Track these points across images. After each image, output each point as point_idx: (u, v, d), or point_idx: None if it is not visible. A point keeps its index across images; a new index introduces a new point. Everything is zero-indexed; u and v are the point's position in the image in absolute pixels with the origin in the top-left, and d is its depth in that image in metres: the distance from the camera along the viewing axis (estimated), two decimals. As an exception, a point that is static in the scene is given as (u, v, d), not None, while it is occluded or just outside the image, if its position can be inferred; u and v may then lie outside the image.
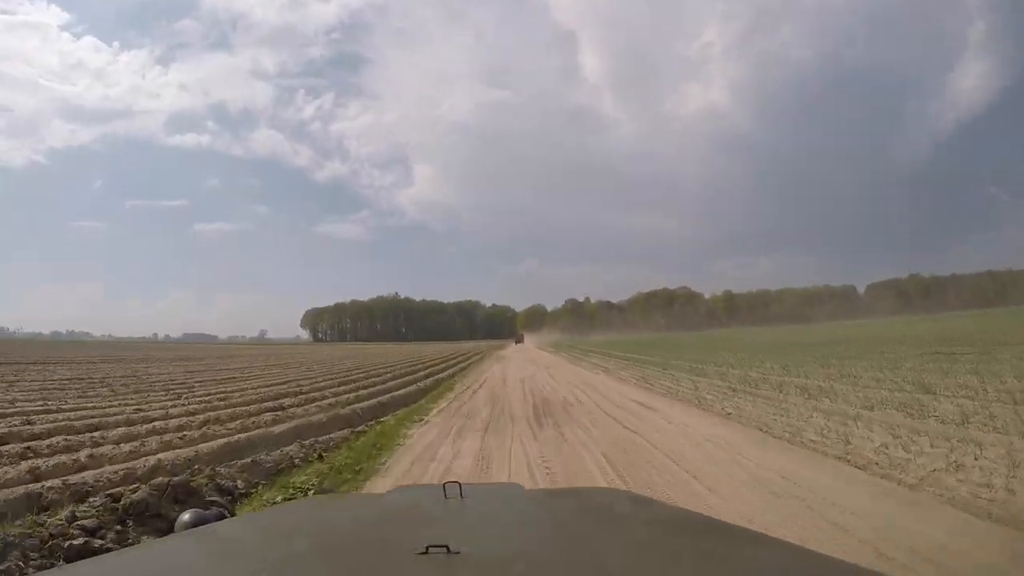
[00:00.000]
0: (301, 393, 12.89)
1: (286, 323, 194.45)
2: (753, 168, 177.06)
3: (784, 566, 0.90)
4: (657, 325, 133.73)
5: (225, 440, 7.08)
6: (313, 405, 10.70)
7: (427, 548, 0.83)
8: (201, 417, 9.03)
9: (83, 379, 16.47)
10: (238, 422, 8.67)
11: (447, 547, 0.83)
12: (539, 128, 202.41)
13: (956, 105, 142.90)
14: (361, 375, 18.30)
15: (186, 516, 1.27)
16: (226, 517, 1.37)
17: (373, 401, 11.63)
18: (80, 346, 58.03)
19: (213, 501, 5.73)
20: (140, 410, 9.94)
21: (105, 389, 13.82)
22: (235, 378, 17.39)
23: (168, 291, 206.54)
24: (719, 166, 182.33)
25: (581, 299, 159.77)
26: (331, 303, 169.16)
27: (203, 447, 6.79)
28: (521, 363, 28.34)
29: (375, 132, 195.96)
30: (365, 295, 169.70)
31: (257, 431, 7.90)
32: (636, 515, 1.40)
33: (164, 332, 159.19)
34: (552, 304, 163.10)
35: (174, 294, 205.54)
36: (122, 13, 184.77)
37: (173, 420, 8.73)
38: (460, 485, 1.35)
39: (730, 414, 9.49)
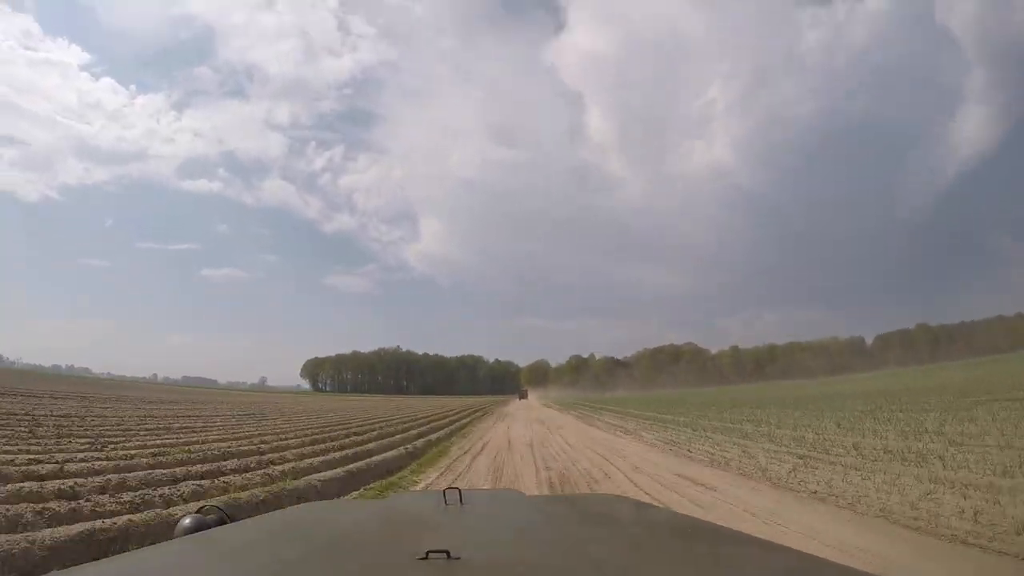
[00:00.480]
0: (258, 453, 10.44)
1: (288, 371, 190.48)
2: (756, 222, 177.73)
3: (783, 569, 0.90)
4: (664, 382, 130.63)
5: (89, 526, 4.70)
6: (262, 472, 8.27)
7: (427, 553, 0.84)
8: (100, 480, 6.67)
9: (14, 415, 14.09)
10: (142, 492, 6.28)
11: (447, 552, 0.83)
12: (545, 185, 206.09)
13: (957, 152, 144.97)
14: (342, 431, 15.71)
15: (186, 521, 1.28)
16: (226, 522, 1.33)
17: (342, 470, 9.14)
18: (63, 381, 55.37)
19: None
20: (35, 460, 7.62)
21: (24, 429, 11.46)
22: (193, 428, 14.88)
23: (172, 333, 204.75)
24: (723, 221, 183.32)
25: (585, 355, 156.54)
26: (333, 354, 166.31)
27: (51, 533, 4.43)
28: (527, 422, 25.43)
29: (383, 186, 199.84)
30: (369, 347, 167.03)
31: (155, 511, 5.51)
32: (636, 520, 1.40)
33: (165, 374, 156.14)
34: (555, 359, 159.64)
35: (178, 336, 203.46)
36: (141, 57, 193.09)
37: (57, 481, 6.36)
38: (460, 491, 1.41)
39: (815, 492, 6.99)
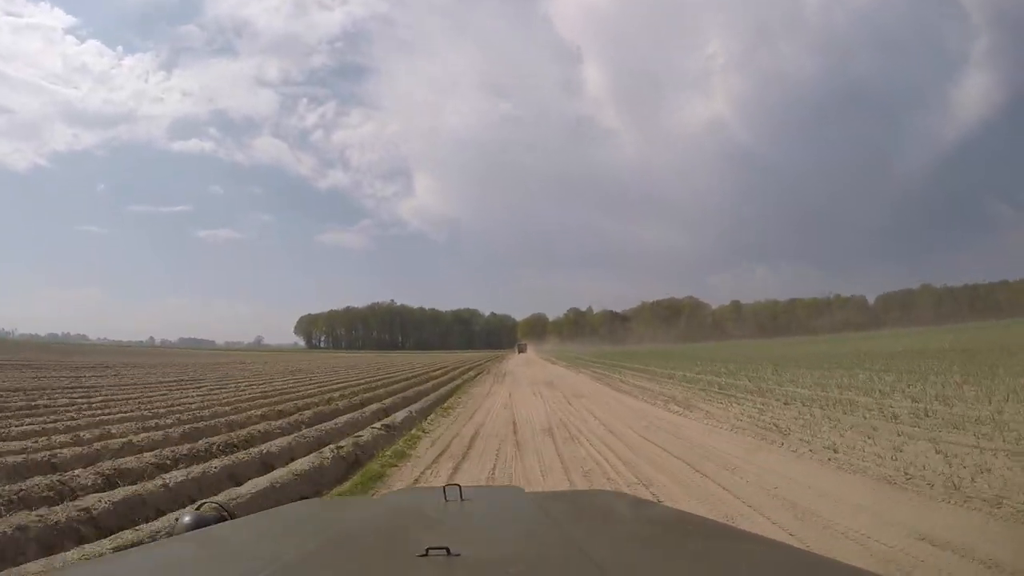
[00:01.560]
0: (41, 470, 5.39)
1: (285, 329, 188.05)
2: (754, 179, 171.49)
3: (781, 565, 0.88)
4: (666, 336, 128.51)
5: None
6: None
7: (427, 550, 0.80)
8: None
9: None
10: None
11: (447, 549, 0.80)
12: (541, 139, 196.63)
13: (957, 118, 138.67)
14: (261, 411, 10.72)
15: (186, 518, 1.24)
16: (226, 519, 1.29)
17: (157, 526, 4.09)
18: (41, 349, 50.83)
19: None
20: None
21: None
22: (60, 408, 9.87)
23: (168, 296, 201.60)
24: (720, 177, 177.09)
25: (583, 308, 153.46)
26: (326, 310, 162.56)
27: None
28: (534, 385, 20.52)
29: (377, 142, 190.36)
30: (365, 303, 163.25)
31: None
32: (635, 517, 1.37)
33: (162, 336, 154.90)
34: (553, 313, 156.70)
35: (174, 299, 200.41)
36: (126, 17, 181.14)
37: None
38: (460, 488, 1.33)
39: None
